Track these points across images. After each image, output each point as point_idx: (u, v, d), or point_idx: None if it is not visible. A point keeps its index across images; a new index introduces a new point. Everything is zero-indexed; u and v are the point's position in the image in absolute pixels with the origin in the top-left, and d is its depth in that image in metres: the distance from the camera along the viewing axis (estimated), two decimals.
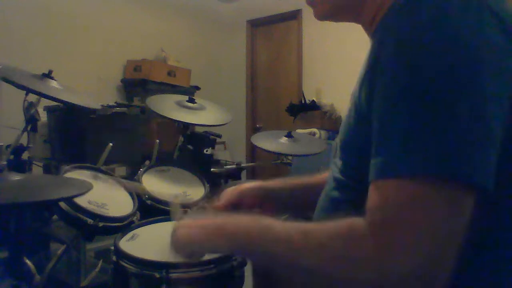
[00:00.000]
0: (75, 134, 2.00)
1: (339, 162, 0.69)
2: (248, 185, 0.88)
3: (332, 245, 0.51)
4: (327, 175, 0.75)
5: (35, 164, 2.06)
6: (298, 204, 0.88)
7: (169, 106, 1.70)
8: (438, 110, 0.46)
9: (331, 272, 0.52)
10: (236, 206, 0.86)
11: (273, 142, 1.96)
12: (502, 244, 0.54)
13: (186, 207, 1.02)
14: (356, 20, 0.69)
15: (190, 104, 1.75)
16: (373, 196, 0.51)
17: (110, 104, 2.24)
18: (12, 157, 1.45)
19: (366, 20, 0.66)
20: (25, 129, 1.45)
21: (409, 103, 0.48)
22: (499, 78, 0.48)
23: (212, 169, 1.94)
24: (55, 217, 1.84)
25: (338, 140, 0.71)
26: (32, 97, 1.42)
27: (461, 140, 0.46)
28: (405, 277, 0.46)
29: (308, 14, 4.31)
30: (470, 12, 0.49)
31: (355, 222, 0.51)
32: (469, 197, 0.47)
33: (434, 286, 0.46)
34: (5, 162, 1.02)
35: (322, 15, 0.69)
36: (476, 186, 0.46)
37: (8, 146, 1.43)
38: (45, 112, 2.10)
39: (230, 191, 0.88)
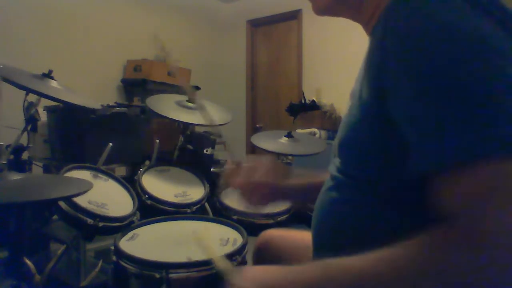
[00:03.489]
0: (75, 134, 1.99)
1: (337, 161, 0.69)
2: (262, 178, 0.86)
3: (432, 261, 0.46)
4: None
5: (35, 164, 2.06)
6: (306, 202, 0.88)
7: (169, 106, 1.71)
8: (487, 92, 0.46)
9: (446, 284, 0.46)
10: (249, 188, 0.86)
11: (273, 142, 1.96)
12: None
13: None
14: (354, 17, 0.69)
15: (190, 104, 1.75)
16: (446, 189, 0.48)
17: (110, 104, 2.24)
18: (12, 157, 1.45)
19: (364, 17, 0.67)
20: (25, 129, 1.45)
21: (458, 87, 0.47)
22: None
23: (212, 169, 1.94)
24: (55, 217, 1.84)
25: (336, 138, 0.70)
26: (32, 97, 1.42)
27: None
28: None
29: (308, 14, 4.31)
30: (466, 2, 0.50)
31: (434, 232, 0.47)
32: None
33: None
34: (5, 162, 1.02)
35: (322, 9, 0.69)
36: None
37: (8, 146, 1.43)
38: (45, 112, 2.10)
39: (249, 171, 0.86)
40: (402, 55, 0.51)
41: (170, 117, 1.64)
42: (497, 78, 0.46)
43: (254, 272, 0.61)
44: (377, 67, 0.55)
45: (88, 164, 1.51)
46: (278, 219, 1.52)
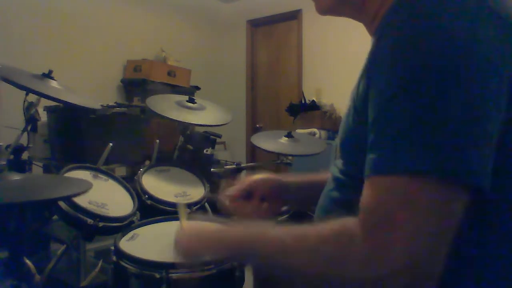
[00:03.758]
0: (75, 134, 2.00)
1: (339, 162, 0.69)
2: (261, 176, 0.89)
3: (325, 248, 0.52)
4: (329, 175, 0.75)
5: (35, 164, 2.06)
6: (305, 199, 0.89)
7: (169, 106, 1.70)
8: (434, 109, 0.47)
9: (324, 273, 0.52)
10: (248, 195, 0.87)
11: (273, 142, 1.96)
12: (492, 242, 0.54)
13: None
14: (357, 17, 0.68)
15: (190, 104, 1.75)
16: (366, 194, 0.51)
17: (110, 104, 2.24)
18: (12, 157, 1.45)
19: (367, 17, 0.66)
20: (25, 129, 1.45)
21: (405, 100, 0.48)
22: (496, 75, 0.48)
23: (212, 169, 1.94)
24: (55, 217, 1.84)
25: (338, 139, 0.70)
26: (32, 97, 1.42)
27: (456, 140, 0.46)
28: (395, 275, 0.47)
29: (308, 14, 4.31)
30: (467, 12, 0.49)
31: (347, 223, 0.51)
32: (463, 196, 0.47)
33: (425, 283, 0.47)
34: (5, 162, 1.02)
35: (325, 9, 0.68)
36: (471, 185, 0.47)
37: (8, 146, 1.43)
38: (45, 112, 2.10)
39: (244, 180, 0.90)
40: (387, 59, 0.51)
41: (170, 117, 1.64)
42: (459, 108, 0.46)
43: (193, 226, 0.71)
44: (370, 65, 0.55)
45: (88, 164, 1.51)
46: (278, 219, 1.52)
